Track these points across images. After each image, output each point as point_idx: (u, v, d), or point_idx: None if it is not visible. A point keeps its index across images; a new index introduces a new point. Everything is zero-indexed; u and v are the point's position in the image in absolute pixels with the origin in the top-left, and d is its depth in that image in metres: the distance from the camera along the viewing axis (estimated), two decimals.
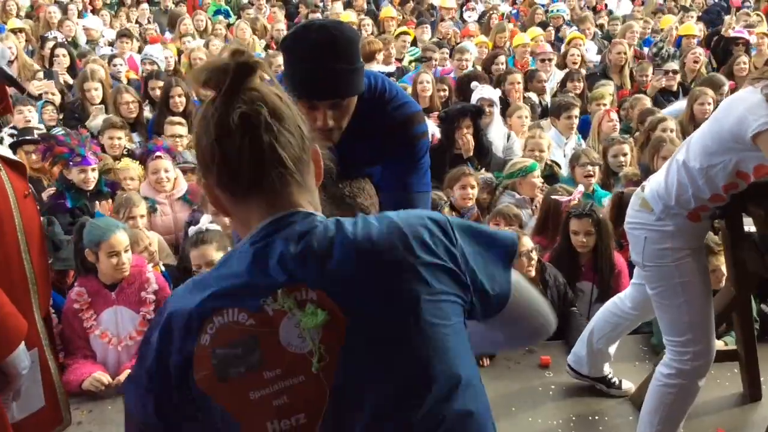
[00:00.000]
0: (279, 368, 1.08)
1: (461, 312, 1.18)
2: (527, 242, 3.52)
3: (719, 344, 3.24)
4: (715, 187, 2.34)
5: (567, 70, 7.11)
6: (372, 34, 8.81)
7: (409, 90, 5.73)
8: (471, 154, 4.93)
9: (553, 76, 7.09)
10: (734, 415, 3.13)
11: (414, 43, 8.42)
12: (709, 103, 5.56)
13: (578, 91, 6.43)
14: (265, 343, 1.09)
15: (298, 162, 1.16)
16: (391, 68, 7.06)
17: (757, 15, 9.75)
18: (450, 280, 1.16)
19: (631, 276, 3.82)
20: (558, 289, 3.61)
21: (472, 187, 4.34)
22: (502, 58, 7.35)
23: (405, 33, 8.38)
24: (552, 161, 5.04)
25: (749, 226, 2.65)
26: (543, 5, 10.62)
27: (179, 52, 8.00)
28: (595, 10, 11.34)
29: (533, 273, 3.49)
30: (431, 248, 1.16)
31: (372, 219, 1.18)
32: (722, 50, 8.16)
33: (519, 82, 6.25)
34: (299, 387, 1.08)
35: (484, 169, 4.89)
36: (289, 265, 1.11)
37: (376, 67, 6.83)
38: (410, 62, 7.22)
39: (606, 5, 11.58)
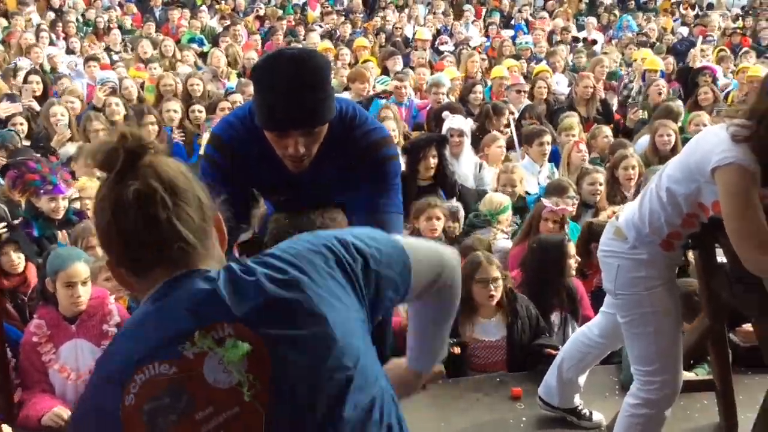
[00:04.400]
0: (210, 406, 1.08)
1: (365, 327, 1.25)
2: (493, 270, 3.48)
3: (691, 375, 3.24)
4: (681, 213, 2.37)
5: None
6: (349, 64, 8.88)
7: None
8: (430, 180, 4.89)
9: (521, 108, 7.15)
10: None
11: (385, 72, 8.47)
12: (669, 135, 5.65)
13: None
14: (192, 386, 1.08)
15: (199, 233, 1.18)
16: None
17: (722, 50, 9.98)
18: (352, 297, 1.24)
19: (594, 305, 3.89)
20: (530, 320, 3.58)
21: (438, 219, 4.32)
22: (479, 88, 7.42)
23: (368, 60, 8.42)
24: (527, 192, 5.04)
25: (721, 257, 2.66)
26: (513, 38, 10.78)
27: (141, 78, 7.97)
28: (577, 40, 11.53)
29: (494, 301, 3.45)
30: (334, 268, 1.23)
31: (275, 250, 1.24)
32: (690, 81, 8.36)
33: (505, 117, 6.30)
34: (235, 418, 1.09)
35: (455, 198, 4.88)
36: (199, 308, 1.12)
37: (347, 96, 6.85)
38: (382, 92, 7.23)
39: (589, 39, 11.78)
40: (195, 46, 10.14)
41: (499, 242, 4.37)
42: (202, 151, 4.17)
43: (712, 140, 2.23)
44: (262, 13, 12.79)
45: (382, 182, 2.18)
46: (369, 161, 2.14)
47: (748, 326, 3.53)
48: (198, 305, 1.13)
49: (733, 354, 3.42)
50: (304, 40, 10.77)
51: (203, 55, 9.67)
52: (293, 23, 12.28)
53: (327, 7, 14.04)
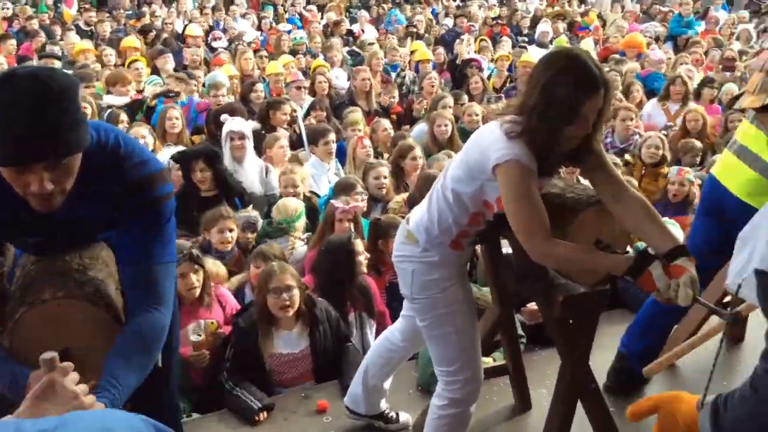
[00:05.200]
0: None
1: None
2: (287, 279, 3.33)
3: (488, 360, 3.34)
4: (468, 213, 2.39)
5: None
6: (115, 65, 8.21)
7: None
8: (210, 194, 4.65)
9: (306, 105, 7.08)
10: (509, 428, 3.20)
11: (156, 72, 7.97)
12: (447, 125, 5.88)
13: (323, 120, 6.46)
14: None
15: None
16: (124, 99, 6.57)
17: (483, 40, 10.64)
18: None
19: (389, 300, 3.92)
20: (331, 324, 3.48)
21: (231, 230, 4.09)
22: (259, 86, 7.20)
23: (137, 60, 7.89)
24: (311, 192, 4.93)
25: (507, 248, 2.73)
26: (289, 32, 10.67)
27: None
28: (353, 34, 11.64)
29: (290, 311, 3.30)
30: None
31: None
32: (459, 72, 8.81)
33: (286, 113, 6.15)
34: None
35: (251, 206, 4.66)
36: None
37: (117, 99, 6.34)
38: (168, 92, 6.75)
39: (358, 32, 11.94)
40: None
41: (298, 251, 4.24)
42: None
43: (489, 138, 2.26)
44: (9, 12, 11.49)
45: (154, 225, 1.91)
46: (139, 199, 1.87)
47: (532, 306, 3.73)
48: None
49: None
50: (62, 40, 9.83)
51: None
52: (47, 22, 11.18)
53: (85, 3, 12.95)
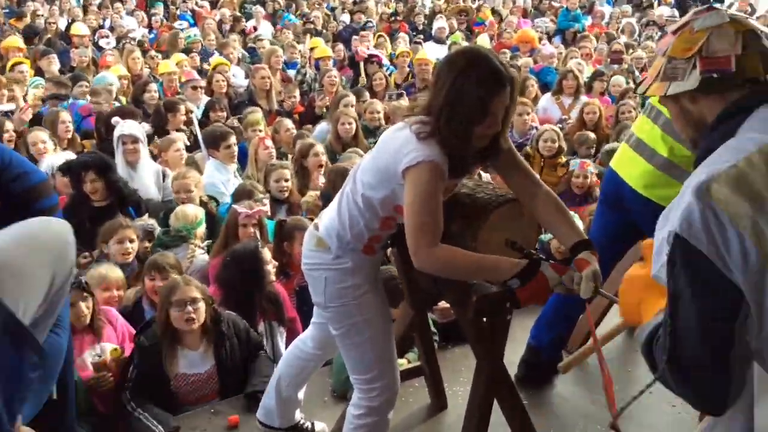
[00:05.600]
0: None
1: None
2: (191, 291, 3.19)
3: (403, 362, 3.31)
4: (379, 217, 2.34)
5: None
6: None
7: None
8: (103, 204, 4.42)
9: (202, 105, 6.85)
10: (427, 429, 3.19)
11: (40, 73, 7.52)
12: (350, 123, 5.84)
13: (222, 121, 6.28)
14: None
15: None
16: (10, 106, 6.15)
17: (381, 36, 10.67)
18: None
19: (298, 304, 3.84)
20: (239, 337, 3.36)
21: (131, 240, 3.89)
22: (153, 86, 6.91)
23: (20, 63, 7.42)
24: (209, 197, 4.75)
25: None
26: (182, 29, 10.32)
27: None
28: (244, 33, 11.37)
29: (195, 324, 3.16)
30: None
31: None
32: (358, 69, 8.78)
33: (182, 114, 5.92)
34: None
35: (147, 215, 4.44)
36: None
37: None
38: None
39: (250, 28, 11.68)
40: None
41: (198, 260, 4.07)
42: None
43: (398, 141, 2.21)
44: None
45: None
46: (23, 213, 1.71)
47: (443, 304, 3.73)
48: None
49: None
50: None
51: None
52: None
53: None
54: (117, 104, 6.40)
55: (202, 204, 4.53)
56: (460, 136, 2.15)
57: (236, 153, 5.38)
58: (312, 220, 3.94)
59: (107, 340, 3.28)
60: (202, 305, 3.17)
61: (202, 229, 4.23)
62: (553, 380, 3.50)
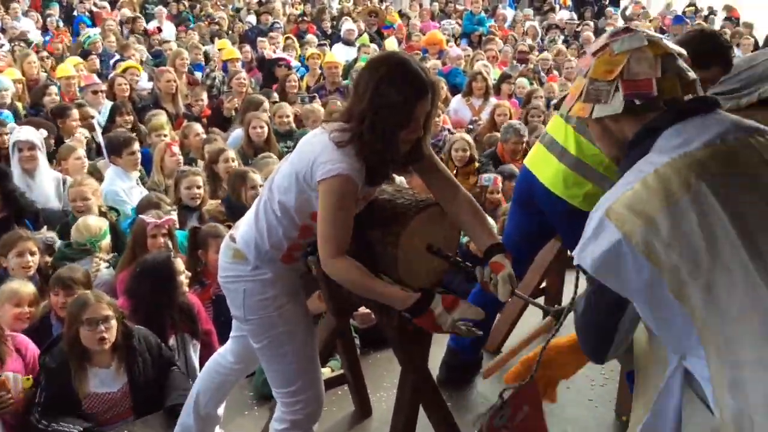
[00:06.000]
0: None
1: None
2: (103, 308, 3.03)
3: (326, 371, 3.26)
4: (297, 225, 2.30)
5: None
6: None
7: None
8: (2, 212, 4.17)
9: (105, 110, 6.55)
10: None
11: None
12: (263, 127, 5.73)
13: (129, 126, 6.03)
14: None
15: None
16: None
17: (289, 38, 10.54)
18: None
19: (214, 314, 3.72)
20: (151, 353, 3.21)
21: (32, 253, 3.67)
22: (54, 89, 6.56)
23: None
24: (109, 207, 4.53)
25: None
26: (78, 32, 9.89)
27: None
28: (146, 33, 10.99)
29: (107, 344, 3.01)
30: None
31: None
32: (267, 71, 8.65)
33: (76, 120, 5.63)
34: None
35: (46, 227, 4.19)
36: None
37: None
38: None
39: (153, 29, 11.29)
40: None
41: (103, 273, 3.87)
42: None
43: (316, 149, 2.17)
44: None
45: None
46: None
47: (363, 309, 3.70)
48: None
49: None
50: None
51: None
52: None
53: None
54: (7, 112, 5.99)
55: (102, 214, 4.31)
56: (384, 141, 2.13)
57: (139, 160, 5.16)
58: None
59: (11, 368, 3.06)
60: (114, 323, 3.02)
61: (107, 242, 4.02)
62: (473, 380, 3.53)
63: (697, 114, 1.53)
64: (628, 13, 14.19)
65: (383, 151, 2.15)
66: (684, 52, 1.62)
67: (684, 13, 14.15)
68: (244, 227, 2.37)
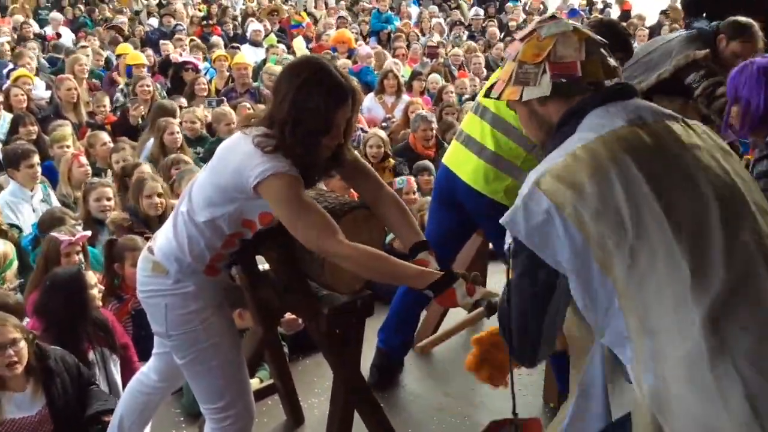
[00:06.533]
0: None
1: None
2: (9, 332, 2.84)
3: (255, 381, 3.19)
4: (223, 235, 2.23)
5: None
6: None
7: None
8: None
9: (3, 121, 6.19)
10: None
11: None
12: (177, 133, 5.56)
13: (34, 137, 5.73)
14: None
15: None
16: None
17: (193, 40, 10.30)
18: None
19: (134, 327, 3.57)
20: (70, 373, 3.05)
21: None
22: None
23: None
24: (10, 225, 4.27)
25: (263, 264, 2.60)
26: None
27: None
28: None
29: (18, 368, 2.82)
30: None
31: None
32: (173, 74, 8.40)
33: None
34: None
35: None
36: None
37: None
38: None
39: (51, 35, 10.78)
40: None
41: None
42: None
43: (241, 155, 2.10)
44: None
45: None
46: None
47: (289, 315, 3.65)
48: None
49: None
50: None
51: None
52: None
53: None
54: None
55: (2, 233, 4.05)
56: (305, 148, 2.09)
57: (39, 173, 4.87)
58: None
59: None
60: (23, 345, 2.84)
61: (13, 269, 3.77)
62: (402, 380, 3.54)
63: (619, 98, 1.58)
64: (527, 8, 14.59)
65: (305, 157, 2.11)
66: (605, 42, 1.67)
67: (579, 6, 14.69)
68: (162, 239, 2.29)
